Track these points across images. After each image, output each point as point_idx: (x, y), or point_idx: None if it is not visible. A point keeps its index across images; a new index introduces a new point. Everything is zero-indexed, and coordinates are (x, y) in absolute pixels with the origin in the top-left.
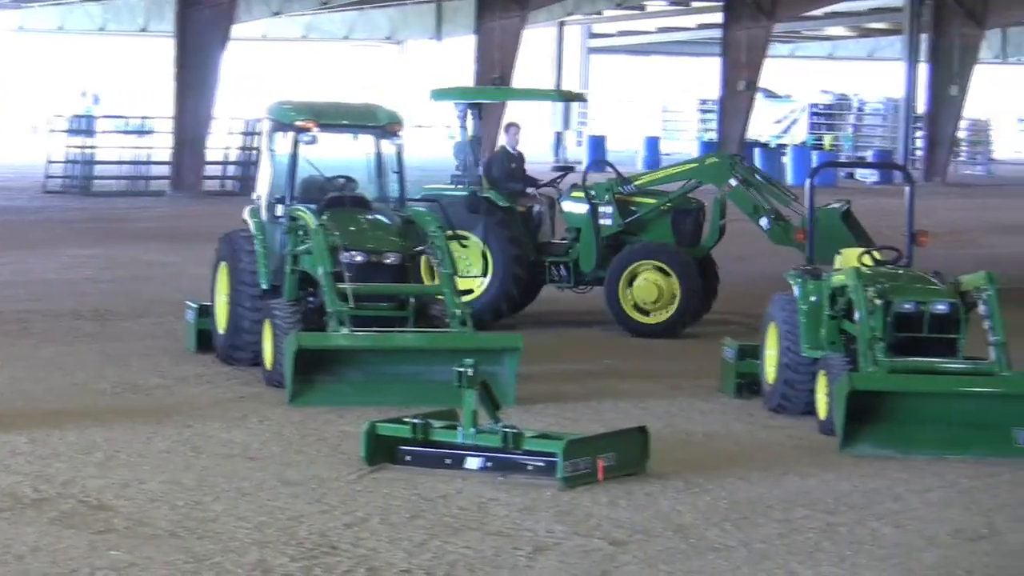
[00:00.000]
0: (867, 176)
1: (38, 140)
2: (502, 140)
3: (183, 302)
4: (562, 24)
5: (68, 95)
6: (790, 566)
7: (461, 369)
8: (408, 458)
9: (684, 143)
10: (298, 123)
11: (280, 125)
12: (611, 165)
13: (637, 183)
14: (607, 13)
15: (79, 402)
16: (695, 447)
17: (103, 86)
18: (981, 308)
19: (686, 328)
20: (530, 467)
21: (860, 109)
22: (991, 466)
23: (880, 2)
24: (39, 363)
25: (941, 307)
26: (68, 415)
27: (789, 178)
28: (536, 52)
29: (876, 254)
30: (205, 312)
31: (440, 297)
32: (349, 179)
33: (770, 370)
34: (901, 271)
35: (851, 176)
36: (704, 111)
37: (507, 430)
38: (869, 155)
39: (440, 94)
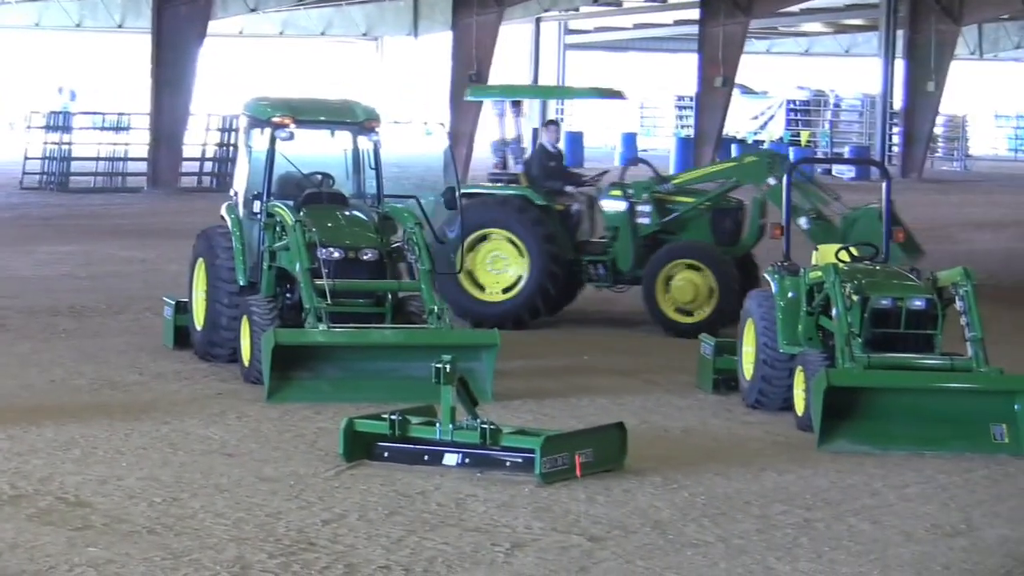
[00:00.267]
0: (844, 172)
1: (15, 136)
2: (542, 138)
3: (160, 298)
4: (539, 20)
5: (45, 91)
6: (768, 562)
7: (439, 365)
8: (386, 454)
9: (661, 139)
10: (275, 119)
11: (257, 121)
12: (648, 163)
13: (675, 182)
14: (584, 9)
15: (56, 399)
16: (673, 443)
17: (80, 82)
18: (958, 304)
19: (724, 327)
20: (508, 463)
21: (837, 105)
22: (968, 462)
23: None
24: (15, 360)
25: (918, 303)
26: (45, 411)
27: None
28: (513, 48)
29: (853, 250)
30: (183, 308)
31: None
32: (326, 175)
33: (748, 366)
34: (878, 267)
35: (828, 172)
36: (681, 107)
37: (485, 426)
38: (846, 151)
39: (476, 92)
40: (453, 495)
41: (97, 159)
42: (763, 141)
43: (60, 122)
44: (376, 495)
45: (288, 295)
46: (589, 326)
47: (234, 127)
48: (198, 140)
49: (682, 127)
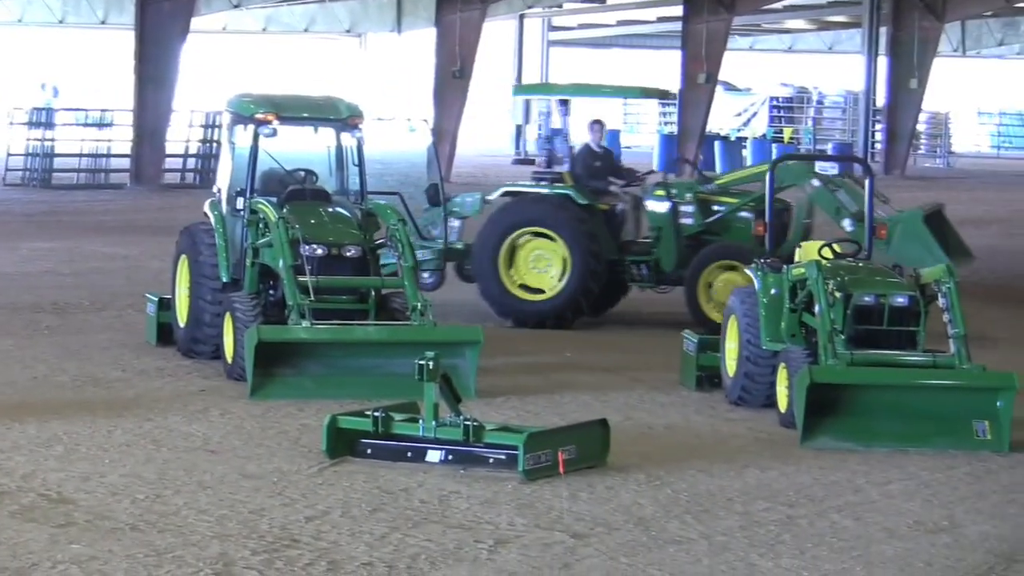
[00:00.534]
0: (827, 168)
1: None
2: (587, 137)
3: (143, 295)
4: (522, 17)
5: (27, 88)
6: (750, 558)
7: (422, 362)
8: (369, 451)
9: (644, 136)
10: (258, 116)
11: (240, 118)
12: (691, 163)
13: (719, 182)
14: (567, 6)
15: (39, 395)
16: (656, 440)
17: (63, 79)
18: (941, 301)
19: None
20: (491, 460)
21: (820, 102)
22: (951, 458)
23: None
24: None
25: (901, 300)
26: (28, 408)
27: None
28: (497, 45)
29: (836, 247)
30: (166, 305)
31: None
32: (310, 172)
33: (731, 363)
34: (861, 264)
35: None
36: (664, 104)
37: (468, 423)
38: (829, 148)
39: (521, 90)
40: (436, 492)
41: (80, 155)
42: (746, 138)
43: (43, 118)
44: (359, 492)
45: (271, 292)
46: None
47: (217, 124)
48: (181, 137)
49: (665, 124)
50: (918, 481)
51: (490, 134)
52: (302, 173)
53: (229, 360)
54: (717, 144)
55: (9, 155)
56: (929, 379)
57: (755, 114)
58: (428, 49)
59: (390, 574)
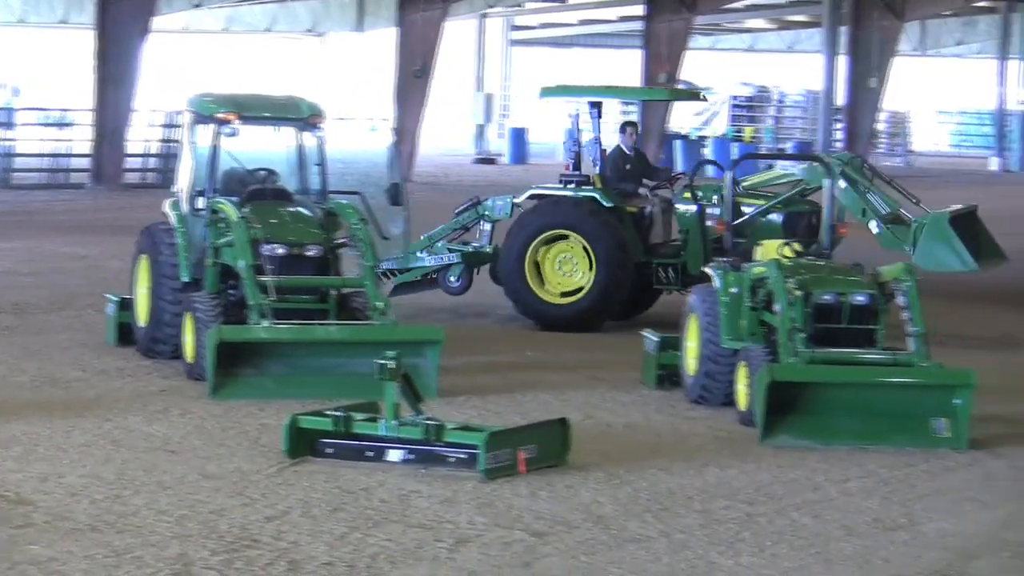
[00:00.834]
0: (787, 168)
1: None
2: (619, 139)
3: (103, 295)
4: (484, 16)
5: None
6: (710, 556)
7: (383, 361)
8: (329, 451)
9: (605, 136)
10: (219, 115)
11: (201, 117)
12: (717, 164)
13: (745, 184)
14: (528, 5)
15: None
16: (616, 438)
17: (23, 78)
18: (900, 299)
19: None
20: (452, 459)
21: (780, 101)
22: (909, 456)
23: None
24: None
25: (860, 298)
26: None
27: (708, 170)
28: (458, 44)
29: (796, 246)
30: (126, 305)
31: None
32: (271, 172)
33: (691, 362)
34: (821, 263)
35: (771, 168)
36: (625, 103)
37: (429, 422)
38: (789, 147)
39: (548, 91)
40: (396, 491)
41: (40, 155)
42: (707, 137)
43: (3, 118)
44: (319, 491)
45: (232, 292)
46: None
47: (178, 123)
48: (142, 136)
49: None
50: (877, 479)
51: (451, 134)
52: (263, 173)
53: (189, 360)
54: (678, 143)
55: None
56: (888, 377)
57: (716, 113)
58: (389, 49)
59: (350, 574)
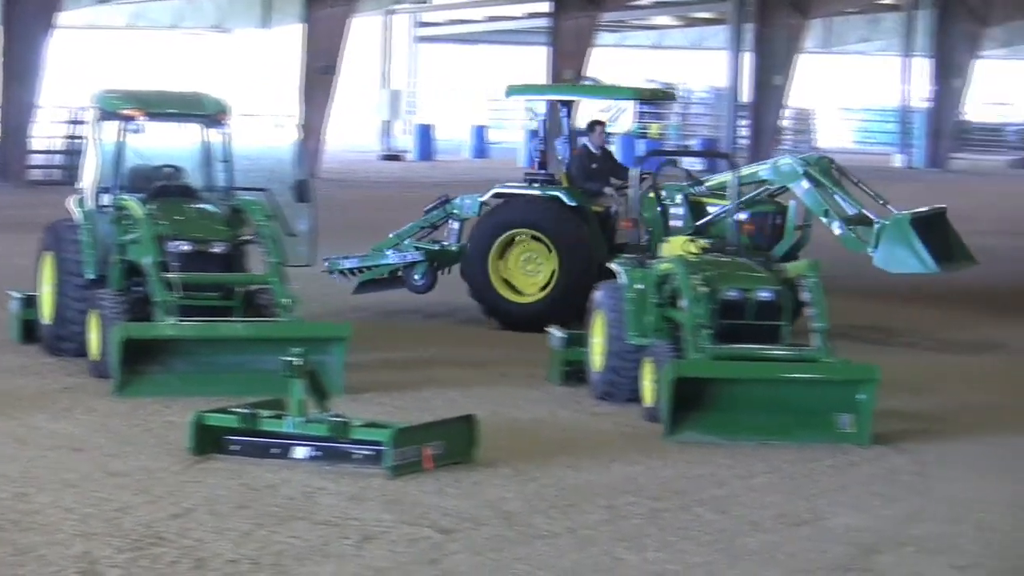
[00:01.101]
0: (693, 164)
1: None
2: (587, 138)
3: (7, 292)
4: (390, 13)
5: None
6: (616, 552)
7: (289, 358)
8: (235, 448)
9: (511, 132)
10: (124, 112)
11: (106, 114)
12: (679, 165)
13: (709, 184)
14: (435, 2)
15: None
16: (522, 435)
17: None
18: (804, 295)
19: None
20: (358, 456)
21: (686, 98)
22: (814, 452)
23: None
24: None
25: (765, 295)
26: None
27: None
28: (364, 41)
29: (702, 242)
30: (30, 302)
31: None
32: (176, 168)
33: (597, 358)
34: (726, 259)
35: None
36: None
37: (335, 419)
38: (695, 143)
39: (515, 90)
40: (302, 488)
41: None
42: (613, 134)
43: None
44: (225, 489)
45: (137, 289)
46: (439, 318)
47: (83, 120)
48: (46, 133)
49: (532, 120)
50: (782, 474)
51: (357, 130)
52: (169, 169)
53: (94, 357)
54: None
55: None
56: (793, 372)
57: (623, 110)
58: (296, 45)
59: (256, 571)
